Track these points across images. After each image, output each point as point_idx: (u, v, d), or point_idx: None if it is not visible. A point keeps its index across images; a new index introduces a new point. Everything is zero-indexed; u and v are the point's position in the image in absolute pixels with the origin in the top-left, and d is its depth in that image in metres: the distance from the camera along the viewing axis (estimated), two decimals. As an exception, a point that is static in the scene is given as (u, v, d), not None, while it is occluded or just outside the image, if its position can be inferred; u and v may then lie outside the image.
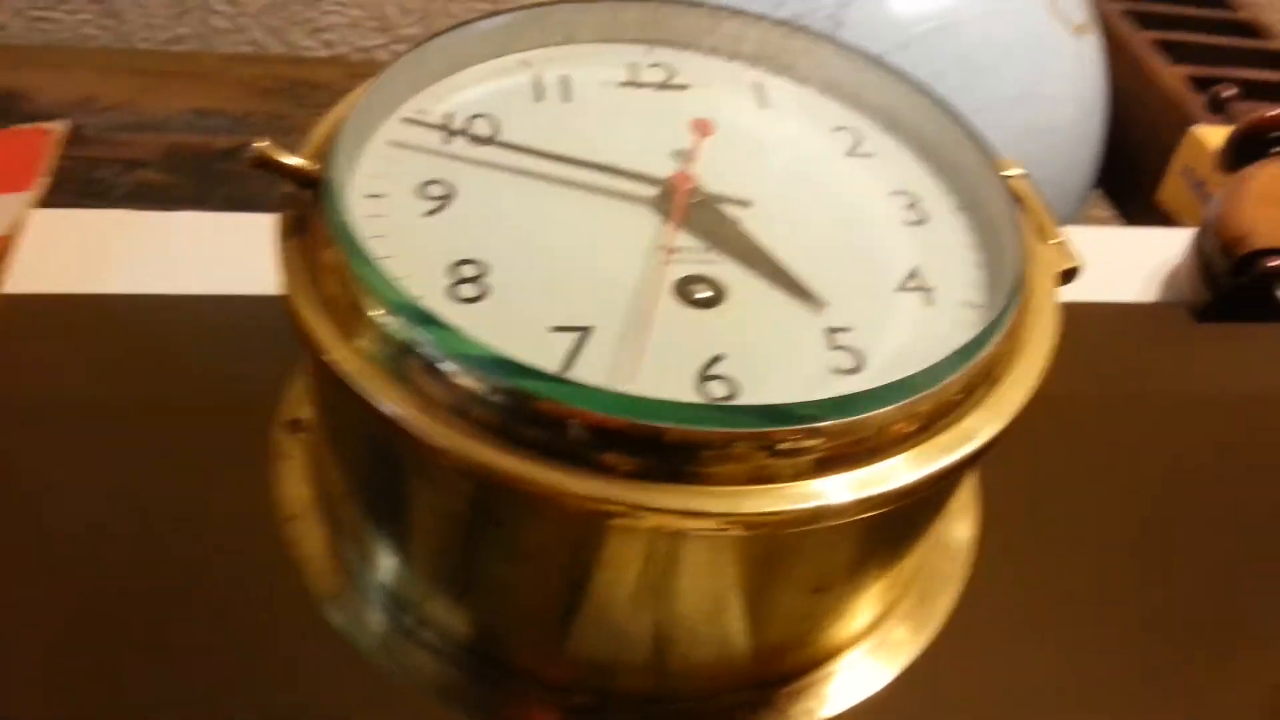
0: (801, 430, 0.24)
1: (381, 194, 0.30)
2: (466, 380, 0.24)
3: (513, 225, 0.30)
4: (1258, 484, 0.51)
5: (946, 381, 0.26)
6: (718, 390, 0.26)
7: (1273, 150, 0.46)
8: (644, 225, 0.30)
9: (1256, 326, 0.41)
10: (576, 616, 0.29)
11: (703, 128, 0.33)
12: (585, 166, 0.32)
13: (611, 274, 0.29)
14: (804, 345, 0.28)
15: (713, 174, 0.32)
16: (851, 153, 0.34)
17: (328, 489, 0.34)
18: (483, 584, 0.30)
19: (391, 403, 0.25)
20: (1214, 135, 0.62)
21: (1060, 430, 0.42)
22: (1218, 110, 0.50)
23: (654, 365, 0.27)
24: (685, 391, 0.26)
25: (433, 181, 0.31)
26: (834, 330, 0.28)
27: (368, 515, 0.31)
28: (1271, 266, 0.40)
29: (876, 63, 0.35)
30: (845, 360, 0.27)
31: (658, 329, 0.27)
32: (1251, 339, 0.43)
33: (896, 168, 0.34)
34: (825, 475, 0.24)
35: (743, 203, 0.31)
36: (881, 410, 0.25)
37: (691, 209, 0.31)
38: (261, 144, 0.29)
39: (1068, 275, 0.31)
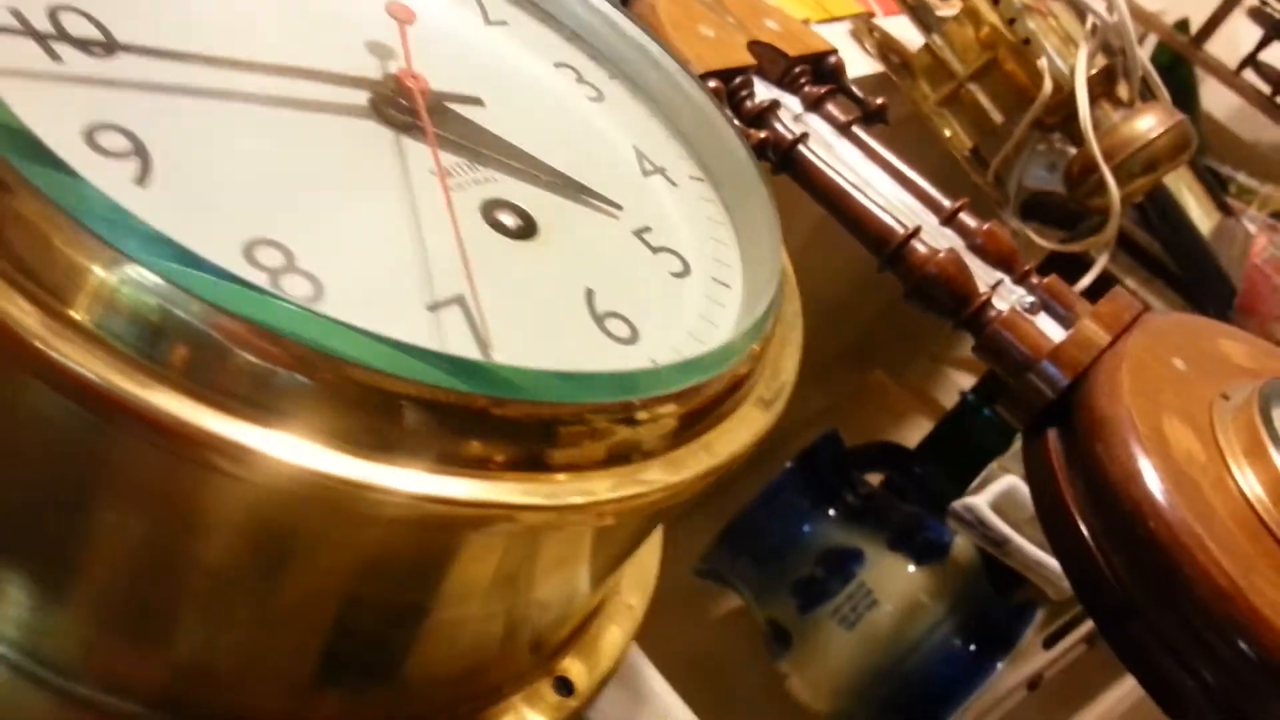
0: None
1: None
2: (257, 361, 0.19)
3: (237, 167, 0.23)
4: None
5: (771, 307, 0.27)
6: (620, 330, 0.24)
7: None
8: (374, 140, 0.25)
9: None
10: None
11: (403, 13, 0.27)
12: (271, 72, 0.24)
13: (398, 220, 0.24)
14: (635, 255, 0.27)
15: (426, 69, 0.27)
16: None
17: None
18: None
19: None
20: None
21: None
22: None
23: (544, 319, 0.24)
24: (600, 345, 0.24)
25: (104, 127, 0.21)
26: (640, 231, 0.28)
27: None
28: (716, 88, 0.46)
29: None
30: (673, 263, 0.27)
31: (514, 278, 0.24)
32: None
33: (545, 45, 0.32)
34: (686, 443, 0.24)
35: (474, 101, 0.27)
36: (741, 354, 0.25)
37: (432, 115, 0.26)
38: None
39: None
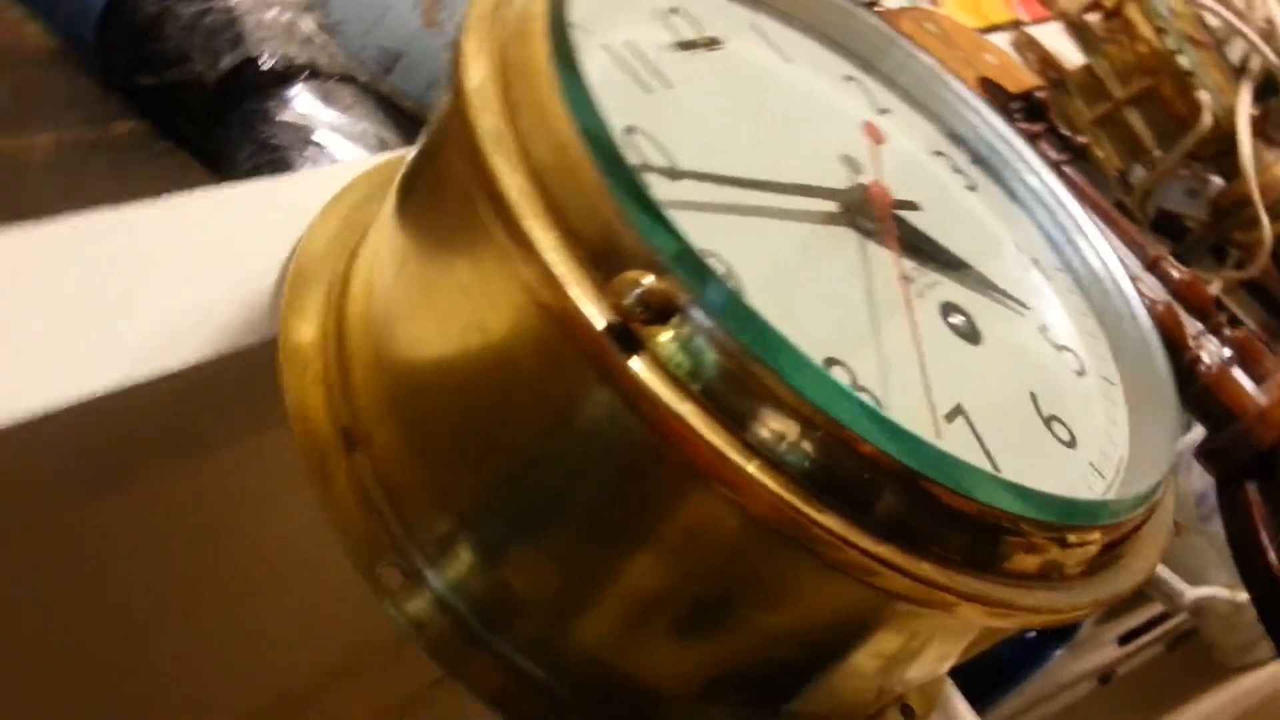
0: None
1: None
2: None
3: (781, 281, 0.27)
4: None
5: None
6: (1063, 434, 0.30)
7: None
8: (851, 247, 0.30)
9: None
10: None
11: (874, 134, 0.32)
12: (780, 190, 0.29)
13: (895, 329, 0.29)
14: (1047, 355, 0.32)
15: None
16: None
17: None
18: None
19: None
20: None
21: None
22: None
23: (1013, 423, 0.29)
24: (1054, 450, 0.29)
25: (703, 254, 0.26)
26: (1042, 329, 0.32)
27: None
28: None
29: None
30: (1073, 361, 0.32)
31: (981, 382, 0.29)
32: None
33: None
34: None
35: (913, 206, 0.32)
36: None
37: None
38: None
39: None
